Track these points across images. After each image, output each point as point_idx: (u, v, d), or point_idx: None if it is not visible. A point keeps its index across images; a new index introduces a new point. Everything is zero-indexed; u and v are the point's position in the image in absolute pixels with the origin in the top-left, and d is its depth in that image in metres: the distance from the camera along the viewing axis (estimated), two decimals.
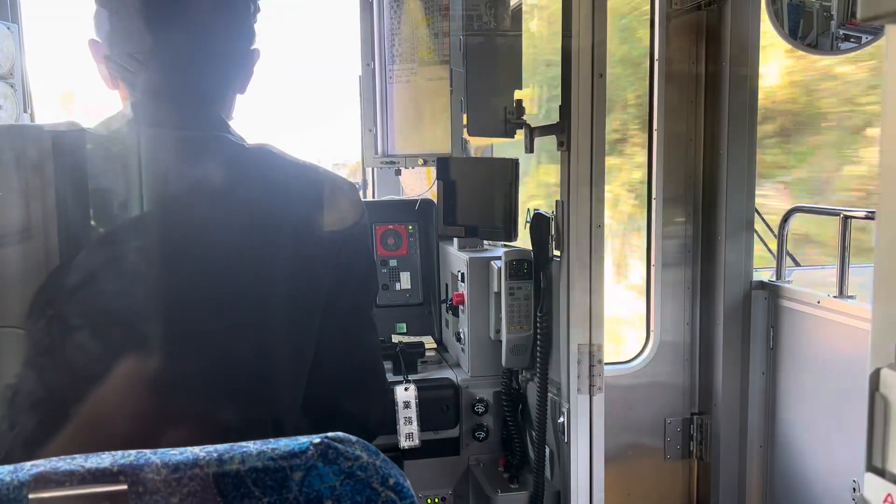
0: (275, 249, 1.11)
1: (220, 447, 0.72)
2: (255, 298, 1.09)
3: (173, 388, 1.02)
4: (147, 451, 0.71)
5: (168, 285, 1.06)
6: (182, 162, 1.11)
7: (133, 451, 0.70)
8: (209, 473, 0.70)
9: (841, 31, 2.08)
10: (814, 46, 2.12)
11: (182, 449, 0.71)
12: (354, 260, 1.20)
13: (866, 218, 1.97)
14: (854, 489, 1.94)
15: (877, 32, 2.01)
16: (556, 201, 1.70)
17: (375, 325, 1.27)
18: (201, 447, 0.72)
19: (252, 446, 0.72)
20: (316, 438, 0.73)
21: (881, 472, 0.62)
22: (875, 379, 0.62)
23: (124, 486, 0.68)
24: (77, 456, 0.69)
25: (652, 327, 2.50)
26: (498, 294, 1.88)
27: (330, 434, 0.74)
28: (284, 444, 0.73)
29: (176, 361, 1.04)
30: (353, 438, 0.74)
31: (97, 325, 1.02)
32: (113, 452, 0.70)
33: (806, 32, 2.11)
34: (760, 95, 2.31)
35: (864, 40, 2.08)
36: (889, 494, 0.62)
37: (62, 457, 0.69)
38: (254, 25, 1.19)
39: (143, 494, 0.68)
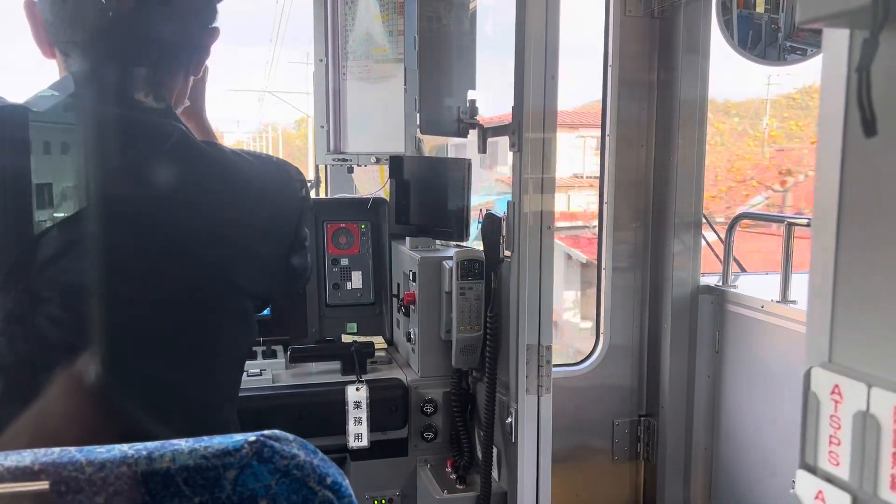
0: (216, 243, 1.08)
1: (150, 445, 0.69)
2: (182, 290, 1.06)
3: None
4: (72, 449, 0.68)
5: (114, 277, 1.02)
6: (127, 146, 1.04)
7: (56, 449, 0.67)
8: (137, 472, 0.67)
9: (788, 43, 2.13)
10: (762, 57, 2.17)
11: (109, 446, 0.69)
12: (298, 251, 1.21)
13: (808, 225, 2.02)
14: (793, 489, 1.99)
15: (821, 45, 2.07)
16: (508, 202, 1.70)
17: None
18: (130, 444, 0.69)
19: (183, 444, 0.70)
20: (251, 436, 0.70)
21: (813, 470, 0.63)
22: (808, 378, 0.63)
23: (45, 485, 0.64)
24: None
25: (602, 330, 2.53)
26: (449, 294, 1.87)
27: (266, 432, 0.71)
28: (218, 441, 0.70)
29: (118, 337, 1.00)
30: (290, 437, 0.72)
31: (50, 300, 0.99)
32: (35, 450, 0.67)
33: (755, 43, 2.16)
34: None
35: (809, 52, 2.14)
36: (820, 491, 0.62)
37: None
38: (216, 3, 1.09)
39: (66, 493, 0.65)
